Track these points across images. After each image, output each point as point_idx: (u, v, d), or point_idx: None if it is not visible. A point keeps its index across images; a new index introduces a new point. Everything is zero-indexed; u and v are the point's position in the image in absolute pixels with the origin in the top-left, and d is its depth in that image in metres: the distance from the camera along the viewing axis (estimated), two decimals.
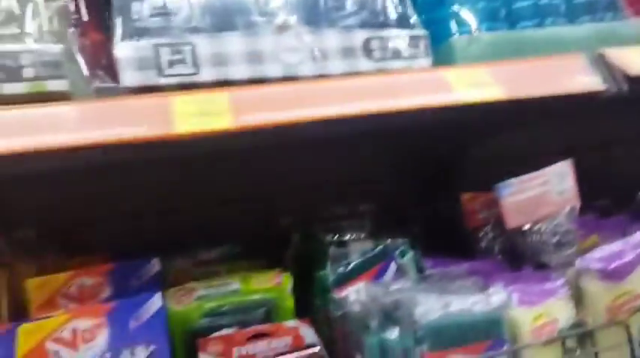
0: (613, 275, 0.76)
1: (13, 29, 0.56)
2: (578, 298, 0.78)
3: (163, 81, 0.58)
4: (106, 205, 1.08)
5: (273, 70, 0.63)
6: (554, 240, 0.84)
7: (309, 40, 0.63)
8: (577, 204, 0.86)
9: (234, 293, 0.89)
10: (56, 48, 0.55)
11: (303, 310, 0.91)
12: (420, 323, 0.70)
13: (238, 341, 0.84)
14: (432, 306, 0.71)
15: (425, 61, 0.68)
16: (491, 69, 0.65)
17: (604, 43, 0.76)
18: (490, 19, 0.75)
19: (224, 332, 0.86)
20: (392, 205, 1.09)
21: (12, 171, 0.63)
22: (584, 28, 0.78)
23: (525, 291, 0.77)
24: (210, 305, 0.88)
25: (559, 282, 0.78)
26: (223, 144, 0.81)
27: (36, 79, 0.53)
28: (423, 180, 1.14)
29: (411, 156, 1.15)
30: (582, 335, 0.76)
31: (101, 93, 0.63)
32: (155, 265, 0.83)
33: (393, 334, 0.70)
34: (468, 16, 0.73)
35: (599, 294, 0.77)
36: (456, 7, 0.73)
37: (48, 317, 0.72)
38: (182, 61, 0.58)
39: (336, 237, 0.98)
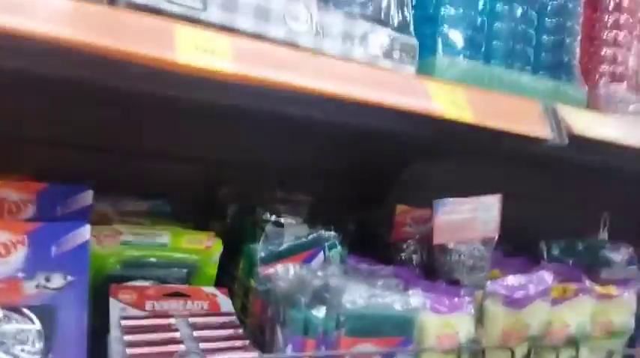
0: (515, 303, 0.85)
1: None
2: (480, 317, 0.86)
3: (167, 6, 0.57)
4: (43, 123, 1.01)
5: (275, 31, 0.64)
6: (470, 262, 0.93)
7: (315, 14, 0.65)
8: (496, 235, 0.95)
9: (160, 246, 0.87)
10: None
11: (218, 280, 0.91)
12: (345, 307, 0.73)
13: (153, 295, 0.82)
14: (359, 295, 0.75)
15: (411, 68, 0.73)
16: (467, 92, 0.71)
17: (556, 99, 0.85)
18: (472, 48, 0.82)
19: (139, 282, 0.84)
20: (329, 201, 1.12)
21: None
22: (544, 82, 0.88)
23: (437, 300, 0.84)
24: (132, 253, 0.85)
25: (467, 299, 0.86)
26: (191, 94, 0.79)
27: None
28: (365, 183, 1.19)
29: (361, 158, 1.20)
30: (476, 351, 0.84)
31: None
32: (88, 195, 0.79)
33: (319, 313, 0.72)
34: (454, 39, 0.80)
35: (499, 318, 0.86)
36: (445, 28, 0.79)
37: None
38: None
39: (273, 217, 0.99)
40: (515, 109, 0.77)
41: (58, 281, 0.69)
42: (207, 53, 0.53)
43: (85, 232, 0.73)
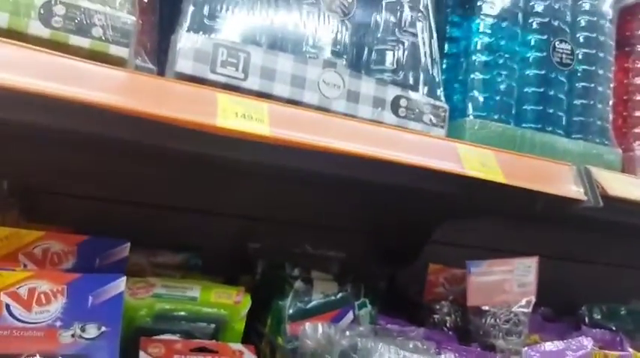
0: None
1: None
2: None
3: (212, 77, 0.61)
4: (87, 179, 1.07)
5: (310, 97, 0.67)
6: (507, 326, 0.90)
7: (347, 80, 0.69)
8: (533, 299, 0.92)
9: (190, 300, 0.88)
10: (130, 18, 0.57)
11: (245, 336, 0.90)
12: None
13: (181, 350, 0.82)
14: (388, 357, 0.73)
15: (441, 131, 0.75)
16: (496, 154, 0.72)
17: (588, 161, 0.85)
18: (502, 111, 0.83)
19: (168, 336, 0.85)
20: (359, 258, 1.12)
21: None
22: (576, 144, 0.88)
23: None
24: (163, 305, 0.87)
25: None
26: (229, 154, 0.83)
27: (102, 39, 0.55)
28: (396, 241, 1.19)
29: (393, 218, 1.20)
30: None
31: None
32: (126, 248, 0.82)
33: None
34: (484, 103, 0.81)
35: None
36: (476, 93, 0.81)
37: (9, 269, 0.70)
38: (234, 65, 0.62)
39: (302, 273, 0.99)
40: (548, 171, 0.77)
41: (92, 331, 0.70)
42: (247, 119, 0.56)
43: (121, 284, 0.75)
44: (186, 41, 0.60)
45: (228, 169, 1.12)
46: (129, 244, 0.83)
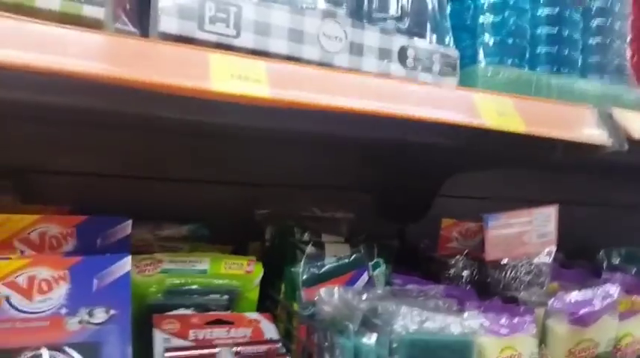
0: (580, 320, 0.79)
1: None
2: (543, 337, 0.81)
3: (201, 35, 0.55)
4: (81, 154, 1.02)
5: (309, 53, 0.61)
6: (528, 278, 0.87)
7: (350, 32, 0.63)
8: (554, 249, 0.89)
9: (201, 273, 0.86)
10: None
11: (260, 302, 0.89)
12: (398, 333, 0.70)
13: (197, 323, 0.80)
14: (411, 320, 0.71)
15: (452, 80, 0.70)
16: (515, 101, 0.67)
17: (608, 103, 0.80)
18: (515, 56, 0.78)
19: (182, 311, 0.83)
20: (370, 217, 1.09)
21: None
22: (594, 85, 0.83)
23: (496, 322, 0.79)
24: (173, 281, 0.84)
25: (528, 318, 0.80)
26: (227, 119, 0.78)
27: None
28: (405, 197, 1.15)
29: (400, 174, 1.16)
30: None
31: None
32: (128, 226, 0.78)
33: (370, 340, 0.69)
34: (496, 48, 0.76)
35: (565, 337, 0.80)
36: (486, 37, 0.75)
37: (4, 258, 0.66)
38: (224, 21, 0.56)
39: (313, 237, 0.96)
40: (569, 116, 0.72)
41: (101, 315, 0.67)
42: (243, 80, 0.51)
43: (127, 263, 0.72)
44: None
45: (228, 135, 1.07)
46: (131, 221, 0.79)
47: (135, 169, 1.06)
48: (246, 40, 0.58)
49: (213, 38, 0.56)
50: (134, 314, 0.73)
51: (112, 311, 0.68)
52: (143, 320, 0.78)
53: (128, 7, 0.66)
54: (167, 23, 0.54)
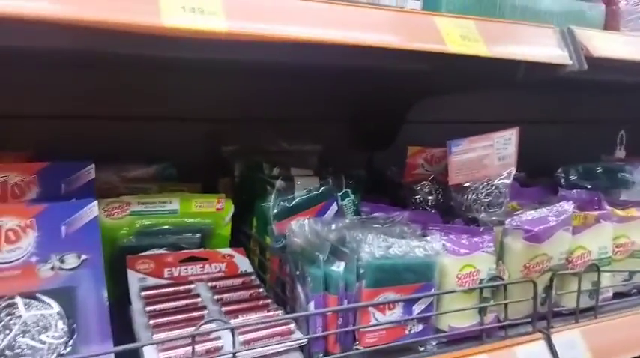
0: (535, 237, 0.83)
1: None
2: (501, 254, 0.85)
3: None
4: (36, 98, 0.97)
5: None
6: (488, 199, 0.90)
7: None
8: (514, 170, 0.92)
9: (171, 213, 0.86)
10: None
11: (233, 236, 0.90)
12: (364, 260, 0.72)
13: (171, 262, 0.82)
14: (377, 246, 0.74)
15: (415, 4, 0.68)
16: (477, 24, 0.66)
17: (572, 20, 0.80)
18: None
19: (155, 251, 0.84)
20: (337, 148, 1.09)
21: None
22: (558, 2, 0.81)
23: (457, 242, 0.83)
24: (143, 222, 0.84)
25: (487, 237, 0.84)
26: (183, 54, 0.74)
27: None
28: (372, 126, 1.16)
29: (367, 102, 1.15)
30: (497, 287, 0.84)
31: None
32: (91, 170, 0.76)
33: (339, 268, 0.72)
34: None
35: (520, 253, 0.84)
36: None
37: None
38: None
39: (281, 172, 0.97)
40: (531, 36, 0.71)
41: (72, 261, 0.68)
42: (197, 13, 0.48)
43: (94, 208, 0.72)
44: None
45: (189, 70, 1.03)
46: (94, 165, 0.78)
47: (97, 109, 1.02)
48: None
49: None
50: (107, 258, 0.73)
51: (84, 256, 0.69)
52: (117, 262, 0.78)
53: None
54: None
